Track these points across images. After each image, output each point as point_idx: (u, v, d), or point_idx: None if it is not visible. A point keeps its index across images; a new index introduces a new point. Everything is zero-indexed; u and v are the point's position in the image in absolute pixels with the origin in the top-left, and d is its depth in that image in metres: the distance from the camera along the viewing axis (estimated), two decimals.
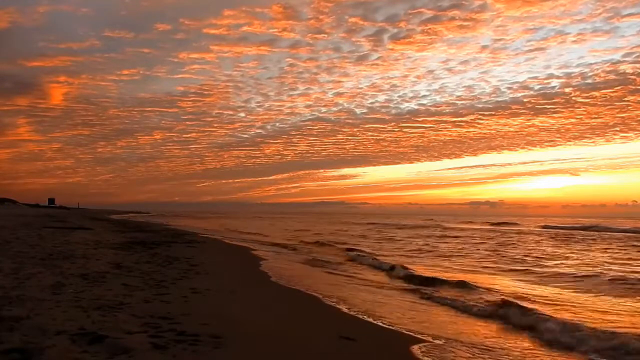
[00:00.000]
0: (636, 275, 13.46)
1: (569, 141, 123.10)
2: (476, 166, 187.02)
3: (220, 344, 5.12)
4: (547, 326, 7.18)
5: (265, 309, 7.62)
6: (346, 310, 7.96)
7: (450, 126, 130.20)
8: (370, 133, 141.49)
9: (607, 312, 8.73)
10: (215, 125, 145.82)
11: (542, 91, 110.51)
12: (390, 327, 7.04)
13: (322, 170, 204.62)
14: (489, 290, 10.61)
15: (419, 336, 6.51)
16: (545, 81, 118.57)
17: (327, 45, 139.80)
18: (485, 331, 7.34)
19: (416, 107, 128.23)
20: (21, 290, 7.25)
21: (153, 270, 10.47)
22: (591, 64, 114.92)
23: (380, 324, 7.15)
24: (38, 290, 7.27)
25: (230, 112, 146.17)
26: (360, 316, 7.60)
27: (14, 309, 6.02)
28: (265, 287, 10.00)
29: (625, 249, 23.08)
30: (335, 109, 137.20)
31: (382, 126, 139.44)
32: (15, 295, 6.81)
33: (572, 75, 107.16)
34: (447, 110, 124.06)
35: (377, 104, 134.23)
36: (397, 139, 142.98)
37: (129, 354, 4.56)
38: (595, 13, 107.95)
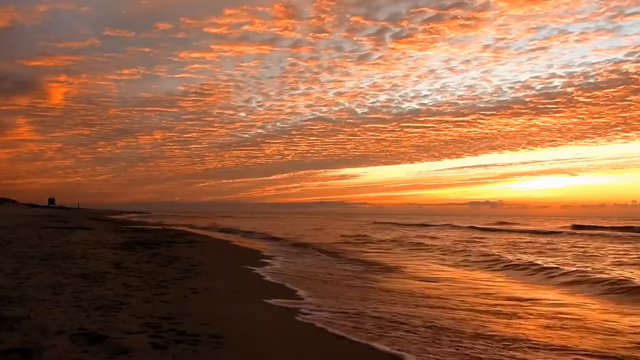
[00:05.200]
0: None
1: (570, 141, 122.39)
2: (477, 166, 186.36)
3: (220, 344, 5.13)
4: None
5: (266, 309, 7.61)
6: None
7: (451, 126, 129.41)
8: (371, 133, 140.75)
9: None
10: (216, 125, 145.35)
11: (544, 91, 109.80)
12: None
13: (322, 170, 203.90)
14: None
15: None
16: (547, 81, 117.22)
17: (328, 45, 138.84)
18: None
19: (417, 106, 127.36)
20: (21, 290, 7.25)
21: (153, 270, 10.47)
22: (594, 63, 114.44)
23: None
24: (38, 290, 7.28)
25: (231, 112, 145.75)
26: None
27: (14, 309, 6.02)
28: (266, 287, 10.00)
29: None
30: (336, 108, 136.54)
31: (383, 126, 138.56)
32: (15, 295, 6.82)
33: (575, 74, 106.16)
34: (449, 110, 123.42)
35: (378, 104, 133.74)
36: (398, 138, 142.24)
37: (129, 354, 4.56)
38: (598, 12, 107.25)
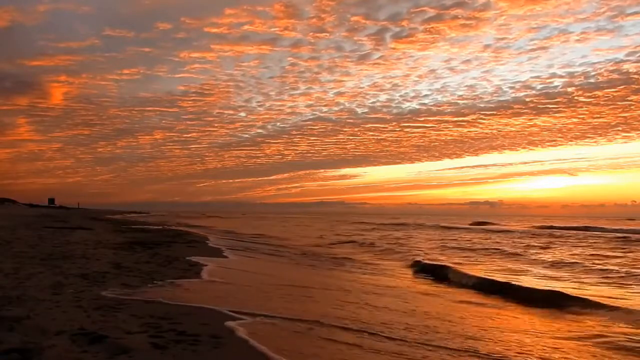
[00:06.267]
0: None
1: (571, 141, 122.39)
2: (477, 166, 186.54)
3: (220, 344, 5.13)
4: None
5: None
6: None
7: (451, 126, 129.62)
8: (371, 133, 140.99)
9: None
10: (216, 125, 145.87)
11: (544, 91, 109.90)
12: None
13: (322, 170, 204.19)
14: None
15: None
16: (548, 80, 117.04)
17: (328, 45, 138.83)
18: None
19: (418, 106, 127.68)
20: (21, 290, 7.26)
21: (153, 270, 10.47)
22: (594, 63, 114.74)
23: None
24: (38, 290, 7.28)
25: (231, 112, 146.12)
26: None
27: (14, 309, 6.03)
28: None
29: None
30: (336, 108, 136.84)
31: (383, 126, 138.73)
32: (15, 295, 6.82)
33: (575, 74, 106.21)
34: (449, 110, 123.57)
35: (378, 104, 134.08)
36: (398, 138, 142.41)
37: (129, 354, 4.57)
38: (599, 12, 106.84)
